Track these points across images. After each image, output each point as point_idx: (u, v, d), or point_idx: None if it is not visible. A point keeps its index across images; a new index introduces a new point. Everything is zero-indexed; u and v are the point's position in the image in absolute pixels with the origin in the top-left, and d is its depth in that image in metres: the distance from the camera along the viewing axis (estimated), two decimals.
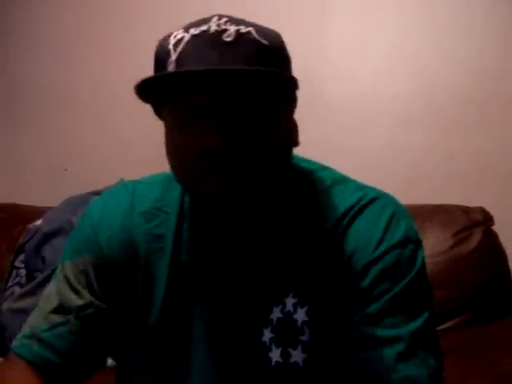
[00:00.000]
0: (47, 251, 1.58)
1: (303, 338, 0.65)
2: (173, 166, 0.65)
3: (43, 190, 1.99)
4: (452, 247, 1.40)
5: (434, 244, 1.38)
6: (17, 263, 1.65)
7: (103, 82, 1.97)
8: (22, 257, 1.65)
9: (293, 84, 0.64)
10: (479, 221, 1.43)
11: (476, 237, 1.40)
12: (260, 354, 0.66)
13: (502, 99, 1.62)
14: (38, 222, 1.68)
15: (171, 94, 0.61)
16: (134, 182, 0.76)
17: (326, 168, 0.74)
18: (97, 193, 1.66)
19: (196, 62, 0.58)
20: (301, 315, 0.66)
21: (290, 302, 0.66)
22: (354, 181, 0.72)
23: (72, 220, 1.59)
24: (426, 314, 0.63)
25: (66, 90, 2.03)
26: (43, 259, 1.57)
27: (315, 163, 0.74)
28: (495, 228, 1.44)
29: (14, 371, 0.68)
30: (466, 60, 1.63)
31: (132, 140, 1.93)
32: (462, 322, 1.35)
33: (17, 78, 2.11)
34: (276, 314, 0.66)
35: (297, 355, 0.65)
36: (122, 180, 1.67)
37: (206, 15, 0.63)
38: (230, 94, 0.59)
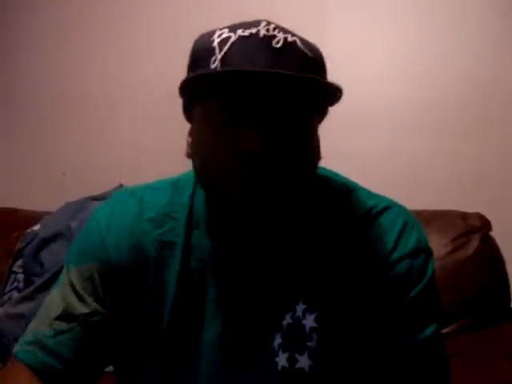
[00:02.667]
0: (45, 256, 1.58)
1: (310, 344, 0.65)
2: (204, 166, 0.62)
3: (41, 194, 1.99)
4: (450, 253, 1.40)
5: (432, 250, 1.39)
6: (15, 268, 1.65)
7: (102, 87, 1.97)
8: (20, 262, 1.64)
9: (338, 99, 0.62)
10: (477, 227, 1.43)
11: (474, 243, 1.40)
12: (267, 359, 0.66)
13: (500, 105, 1.63)
14: (36, 227, 1.68)
15: (217, 92, 0.59)
16: (141, 188, 0.75)
17: (337, 175, 0.74)
18: (95, 198, 1.66)
19: (244, 64, 0.57)
20: (309, 321, 0.65)
21: (300, 308, 0.66)
22: (365, 189, 0.72)
23: (70, 225, 1.58)
24: (435, 324, 0.63)
25: (64, 95, 2.03)
26: (41, 264, 1.57)
27: (327, 170, 0.73)
28: (492, 233, 1.44)
29: (16, 376, 0.67)
30: (464, 66, 1.64)
31: (131, 145, 1.93)
32: (461, 328, 1.35)
33: (16, 83, 2.11)
34: (287, 320, 0.66)
35: (303, 361, 0.65)
36: (120, 185, 1.67)
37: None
38: (280, 100, 0.58)
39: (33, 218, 1.77)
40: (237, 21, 0.63)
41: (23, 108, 2.11)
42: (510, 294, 1.41)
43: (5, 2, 2.09)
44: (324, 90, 0.60)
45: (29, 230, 1.69)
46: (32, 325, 0.70)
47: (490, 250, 1.42)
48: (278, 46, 0.59)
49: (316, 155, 0.65)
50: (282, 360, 0.65)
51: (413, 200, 1.47)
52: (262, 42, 0.58)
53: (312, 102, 0.61)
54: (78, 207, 1.65)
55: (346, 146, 1.72)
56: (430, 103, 1.67)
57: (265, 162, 0.57)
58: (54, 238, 1.60)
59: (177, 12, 1.84)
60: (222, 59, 0.58)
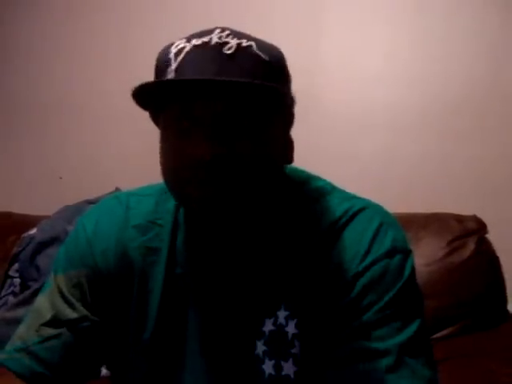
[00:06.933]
0: (42, 260, 1.57)
1: (294, 350, 0.65)
2: (165, 174, 0.65)
3: (38, 198, 1.98)
4: (446, 256, 1.40)
5: (428, 253, 1.39)
6: (11, 272, 1.64)
7: (99, 91, 1.97)
8: (16, 266, 1.64)
9: (289, 100, 0.63)
10: (473, 229, 1.44)
11: (470, 245, 1.41)
12: (253, 367, 0.66)
13: (495, 108, 1.64)
14: (33, 231, 1.68)
15: (169, 102, 0.61)
16: (128, 195, 0.76)
17: (314, 178, 0.73)
18: (92, 202, 1.66)
19: (195, 73, 0.59)
20: (291, 328, 0.65)
21: (282, 314, 0.66)
22: (341, 191, 0.72)
23: (67, 229, 1.58)
24: (416, 324, 0.63)
25: (61, 99, 2.03)
26: (38, 268, 1.57)
27: (304, 172, 0.73)
28: (488, 236, 1.45)
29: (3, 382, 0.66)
30: (459, 70, 1.65)
31: (127, 149, 1.93)
32: (457, 331, 1.35)
33: (13, 87, 2.11)
34: (268, 326, 0.66)
35: (288, 368, 0.65)
36: (117, 189, 1.67)
37: (203, 27, 0.64)
38: (227, 106, 0.59)
39: (29, 222, 1.77)
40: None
41: (20, 112, 2.11)
42: (506, 296, 1.41)
43: (1, 13, 2.09)
44: (273, 94, 0.61)
45: (25, 234, 1.69)
46: (19, 332, 0.70)
47: (486, 253, 1.42)
48: (229, 52, 0.60)
49: (276, 157, 0.65)
50: (268, 367, 0.66)
51: (409, 202, 1.48)
52: (213, 49, 0.60)
53: (264, 105, 0.61)
54: (75, 211, 1.64)
55: (343, 149, 1.72)
56: (426, 106, 1.68)
57: (216, 166, 0.58)
58: (51, 242, 1.60)
59: (172, 22, 1.84)
60: (176, 69, 0.60)
